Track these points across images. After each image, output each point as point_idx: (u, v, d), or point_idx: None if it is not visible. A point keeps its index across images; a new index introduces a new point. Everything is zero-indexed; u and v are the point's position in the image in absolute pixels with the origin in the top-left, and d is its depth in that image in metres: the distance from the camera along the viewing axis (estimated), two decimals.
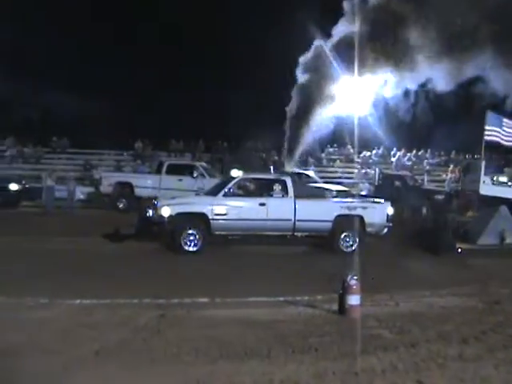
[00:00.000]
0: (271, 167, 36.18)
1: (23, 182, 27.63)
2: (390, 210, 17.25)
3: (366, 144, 35.47)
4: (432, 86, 20.84)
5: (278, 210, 16.51)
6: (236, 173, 18.18)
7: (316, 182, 28.96)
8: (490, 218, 17.05)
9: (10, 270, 12.21)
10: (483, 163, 18.19)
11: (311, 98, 19.96)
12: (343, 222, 16.78)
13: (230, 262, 14.41)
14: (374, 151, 39.42)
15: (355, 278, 9.19)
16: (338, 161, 39.24)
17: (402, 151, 39.12)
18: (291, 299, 10.58)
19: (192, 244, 15.65)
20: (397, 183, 29.21)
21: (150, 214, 16.20)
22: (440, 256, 15.75)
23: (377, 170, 33.56)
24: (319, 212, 16.87)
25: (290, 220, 16.46)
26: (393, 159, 39.11)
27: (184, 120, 34.95)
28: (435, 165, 38.96)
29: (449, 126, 31.18)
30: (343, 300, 9.32)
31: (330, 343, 7.98)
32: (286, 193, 16.74)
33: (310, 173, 32.19)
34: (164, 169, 26.36)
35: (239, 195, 16.84)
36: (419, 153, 39.68)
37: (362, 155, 38.31)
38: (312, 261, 15.24)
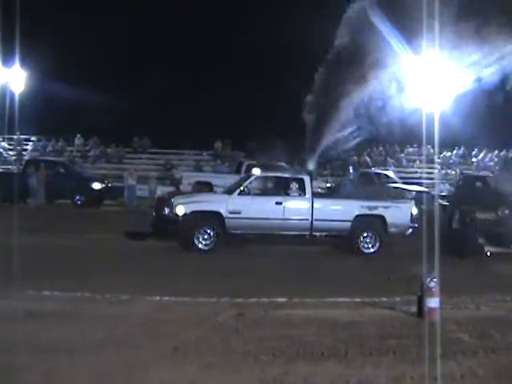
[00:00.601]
0: (350, 167, 36.25)
1: (106, 182, 28.32)
2: (415, 210, 16.62)
3: (446, 143, 34.69)
4: None
5: (295, 209, 16.32)
6: (256, 171, 18.02)
7: (395, 182, 28.70)
8: None
9: (92, 266, 12.66)
10: None
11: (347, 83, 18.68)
12: (363, 222, 16.43)
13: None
14: (454, 151, 38.67)
15: (435, 279, 9.02)
16: (417, 161, 38.70)
17: (484, 151, 38.24)
18: (369, 300, 10.49)
19: (206, 242, 15.60)
20: (478, 184, 28.46)
21: (166, 212, 16.25)
22: (465, 259, 15.14)
23: (457, 170, 32.92)
24: (338, 211, 16.55)
25: (307, 220, 16.18)
26: (474, 159, 38.27)
27: (264, 120, 35.06)
28: None
29: None
30: (422, 302, 9.18)
31: (408, 346, 7.88)
32: (304, 192, 16.46)
33: (389, 173, 31.92)
34: (243, 169, 26.51)
35: (255, 194, 16.69)
36: (501, 153, 38.69)
37: (442, 155, 37.63)
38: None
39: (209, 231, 15.64)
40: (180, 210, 15.74)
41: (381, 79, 18.73)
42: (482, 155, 38.17)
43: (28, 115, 31.97)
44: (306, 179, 16.66)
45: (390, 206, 16.80)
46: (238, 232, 16.17)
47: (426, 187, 28.20)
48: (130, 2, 38.73)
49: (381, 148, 39.22)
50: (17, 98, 31.99)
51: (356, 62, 18.32)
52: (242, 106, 36.71)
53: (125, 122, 36.48)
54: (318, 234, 16.52)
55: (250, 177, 17.16)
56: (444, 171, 35.85)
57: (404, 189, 26.29)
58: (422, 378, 6.79)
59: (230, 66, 37.76)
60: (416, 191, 25.63)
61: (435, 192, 26.57)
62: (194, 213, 15.80)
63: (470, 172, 33.73)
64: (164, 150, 38.32)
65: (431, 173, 36.52)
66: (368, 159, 37.77)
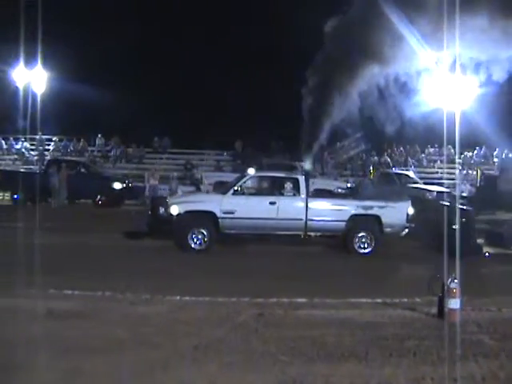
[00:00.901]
0: (370, 167, 36.18)
1: (127, 181, 28.47)
2: (411, 210, 16.42)
3: (468, 143, 34.35)
4: None
5: (289, 209, 16.20)
6: (251, 171, 17.98)
7: (416, 183, 28.58)
8: None
9: (111, 266, 12.79)
10: None
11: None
12: (358, 221, 16.29)
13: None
14: (475, 151, 38.40)
15: (456, 280, 8.97)
16: (438, 161, 38.51)
17: (506, 151, 37.91)
18: (389, 301, 10.46)
19: (200, 242, 15.53)
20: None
21: (161, 211, 16.25)
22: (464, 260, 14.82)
23: (478, 170, 32.69)
24: (333, 211, 16.42)
25: (301, 219, 16.05)
26: (495, 160, 37.97)
27: (285, 120, 35.03)
28: None
29: None
30: (443, 303, 9.14)
31: (429, 347, 7.84)
32: (298, 191, 16.37)
33: (410, 173, 31.79)
34: (263, 169, 26.45)
35: (249, 194, 16.66)
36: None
37: (463, 155, 37.38)
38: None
39: (203, 231, 15.57)
40: (174, 210, 15.75)
41: (397, 76, 18.55)
42: (504, 155, 37.82)
43: (50, 115, 32.34)
44: (301, 179, 16.57)
45: (386, 205, 16.57)
46: (232, 232, 16.10)
47: (447, 187, 28.07)
48: (150, 3, 38.91)
49: (401, 148, 39.06)
50: (39, 98, 32.35)
51: (368, 58, 18.10)
52: (262, 105, 36.71)
53: (145, 122, 36.67)
54: (312, 233, 16.45)
55: (244, 176, 17.09)
56: (465, 171, 35.59)
57: (424, 189, 26.16)
58: (443, 380, 6.77)
59: (250, 66, 37.77)
60: (437, 191, 25.48)
61: (456, 192, 26.44)
62: (187, 213, 15.80)
63: (491, 172, 33.49)
64: (184, 150, 38.45)
65: (452, 173, 36.29)
66: (388, 159, 37.65)
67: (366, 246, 16.11)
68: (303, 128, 18.79)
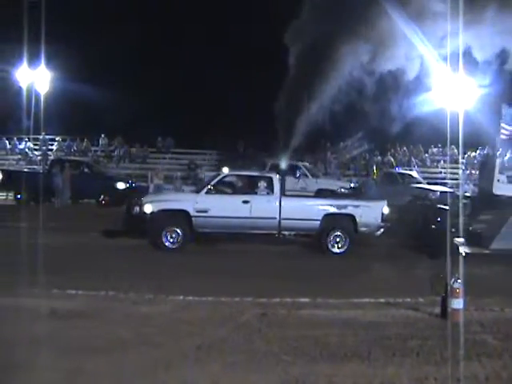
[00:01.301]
0: (373, 167, 36.16)
1: (130, 181, 28.47)
2: (386, 209, 16.28)
3: (472, 143, 34.24)
4: None
5: (262, 207, 16.06)
6: (225, 170, 17.90)
7: (419, 183, 28.58)
8: (504, 221, 15.72)
9: (113, 266, 12.76)
10: (498, 161, 16.71)
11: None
12: (332, 221, 16.14)
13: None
14: (478, 151, 38.31)
15: (459, 280, 8.94)
16: (441, 161, 38.44)
17: (510, 151, 37.81)
18: (393, 301, 10.46)
19: (173, 241, 15.48)
20: None
21: (136, 210, 16.18)
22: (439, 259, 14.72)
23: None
24: (306, 210, 16.25)
25: (274, 218, 15.95)
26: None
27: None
28: None
29: None
30: (446, 303, 9.12)
31: (432, 347, 7.83)
32: (272, 190, 16.26)
33: (414, 173, 31.79)
34: (267, 169, 26.42)
35: (223, 192, 16.54)
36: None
37: (466, 155, 37.28)
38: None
39: (176, 230, 15.52)
40: (148, 209, 15.73)
41: (399, 76, 18.49)
42: (508, 155, 37.73)
43: (53, 115, 32.35)
44: (275, 178, 16.47)
45: (361, 205, 16.44)
46: (206, 231, 16.01)
47: (451, 187, 28.03)
48: (150, 4, 38.94)
49: (405, 148, 39.03)
50: (42, 98, 32.38)
51: (368, 56, 18.03)
52: (263, 105, 36.64)
53: (148, 122, 36.66)
54: (286, 232, 16.40)
55: (218, 175, 17.08)
56: (468, 171, 35.52)
57: (428, 189, 26.14)
58: (446, 380, 6.76)
59: (251, 66, 37.72)
60: (440, 191, 25.44)
61: (459, 192, 26.37)
62: (161, 211, 15.79)
63: None
64: (188, 150, 38.50)
65: (456, 173, 36.20)
66: (392, 159, 37.62)
67: (340, 245, 15.98)
68: (280, 127, 18.75)
